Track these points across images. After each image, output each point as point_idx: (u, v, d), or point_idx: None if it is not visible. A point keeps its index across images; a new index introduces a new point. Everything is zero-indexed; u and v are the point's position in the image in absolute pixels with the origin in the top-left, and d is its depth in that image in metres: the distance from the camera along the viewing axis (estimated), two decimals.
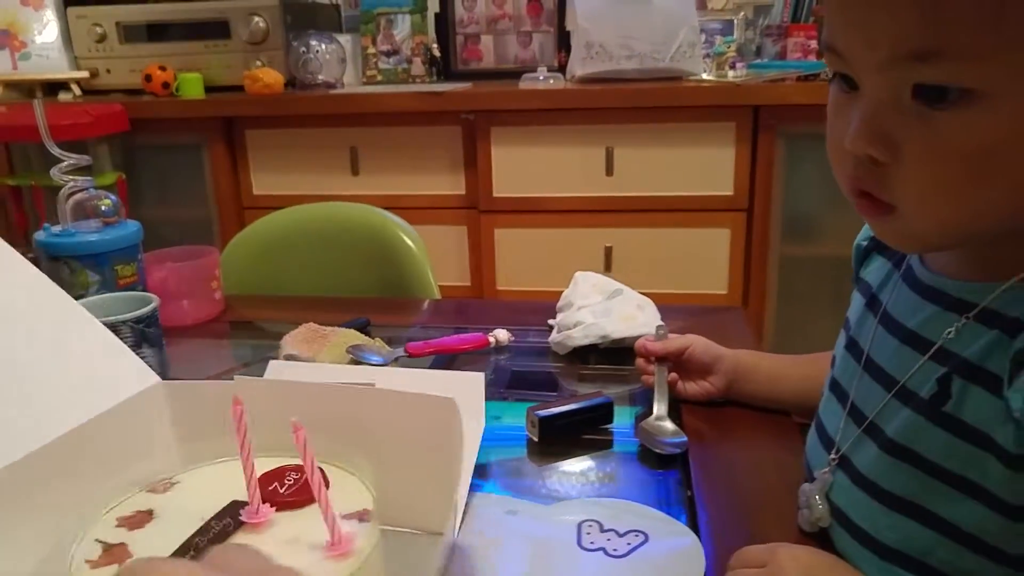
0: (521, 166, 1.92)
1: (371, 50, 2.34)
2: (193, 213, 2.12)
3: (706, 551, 0.53)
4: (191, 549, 0.40)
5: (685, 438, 0.68)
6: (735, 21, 2.17)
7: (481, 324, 0.95)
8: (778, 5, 2.19)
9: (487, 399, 0.65)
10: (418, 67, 2.32)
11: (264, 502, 0.42)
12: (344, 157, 2.01)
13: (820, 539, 0.53)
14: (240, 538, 0.41)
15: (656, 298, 1.88)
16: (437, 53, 2.31)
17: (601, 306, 0.90)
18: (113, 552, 0.41)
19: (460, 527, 0.55)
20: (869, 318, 0.54)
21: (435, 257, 2.00)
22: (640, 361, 0.78)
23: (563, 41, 2.22)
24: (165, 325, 0.94)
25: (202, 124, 2.01)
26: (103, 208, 0.84)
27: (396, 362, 0.84)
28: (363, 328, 0.93)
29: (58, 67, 2.20)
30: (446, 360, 0.88)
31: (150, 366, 0.66)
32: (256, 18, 2.10)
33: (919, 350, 0.47)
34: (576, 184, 1.91)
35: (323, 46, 2.17)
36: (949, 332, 0.45)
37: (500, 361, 0.89)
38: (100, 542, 0.41)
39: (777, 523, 0.57)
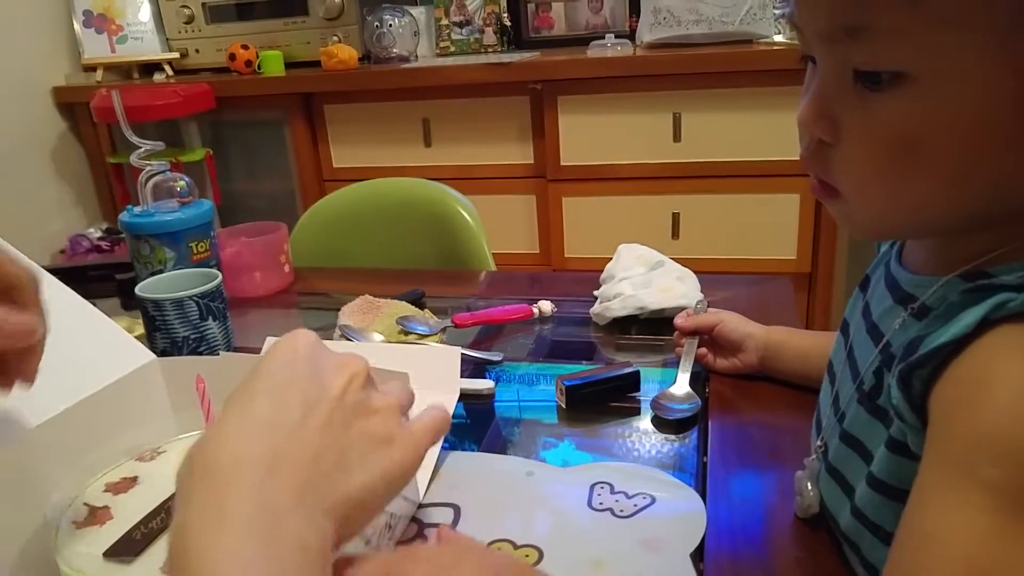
0: (588, 134, 1.93)
1: (444, 21, 2.38)
2: (277, 186, 2.23)
3: (711, 515, 0.56)
4: (162, 512, 0.46)
5: (694, 403, 0.71)
6: None
7: (530, 295, 0.99)
8: None
9: (526, 363, 0.68)
10: (490, 37, 2.35)
11: None
12: (417, 129, 2.07)
13: (814, 525, 0.54)
14: None
15: (723, 264, 1.91)
16: (508, 22, 2.33)
17: (642, 278, 0.92)
18: (96, 514, 0.47)
19: (476, 486, 0.60)
20: (859, 302, 0.53)
21: (504, 226, 2.07)
22: (676, 334, 0.81)
23: (634, 5, 2.20)
24: (238, 296, 1.03)
25: (282, 100, 2.11)
26: (178, 189, 0.92)
27: (443, 332, 0.90)
28: (417, 300, 0.99)
29: (151, 49, 2.34)
30: (492, 330, 0.93)
31: (214, 338, 0.73)
32: None
33: (875, 343, 0.47)
34: (643, 151, 1.91)
35: (396, 20, 2.22)
36: (895, 325, 0.45)
37: (543, 331, 0.93)
38: (87, 505, 0.48)
39: (783, 497, 0.58)
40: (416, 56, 2.28)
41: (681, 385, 0.73)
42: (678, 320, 0.79)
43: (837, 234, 1.85)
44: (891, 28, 0.37)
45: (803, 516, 0.55)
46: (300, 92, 2.10)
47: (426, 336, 0.88)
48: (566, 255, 2.05)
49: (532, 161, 2.01)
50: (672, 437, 0.68)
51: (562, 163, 1.97)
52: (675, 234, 1.95)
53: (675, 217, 1.94)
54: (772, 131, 1.81)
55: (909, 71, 0.37)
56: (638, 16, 2.11)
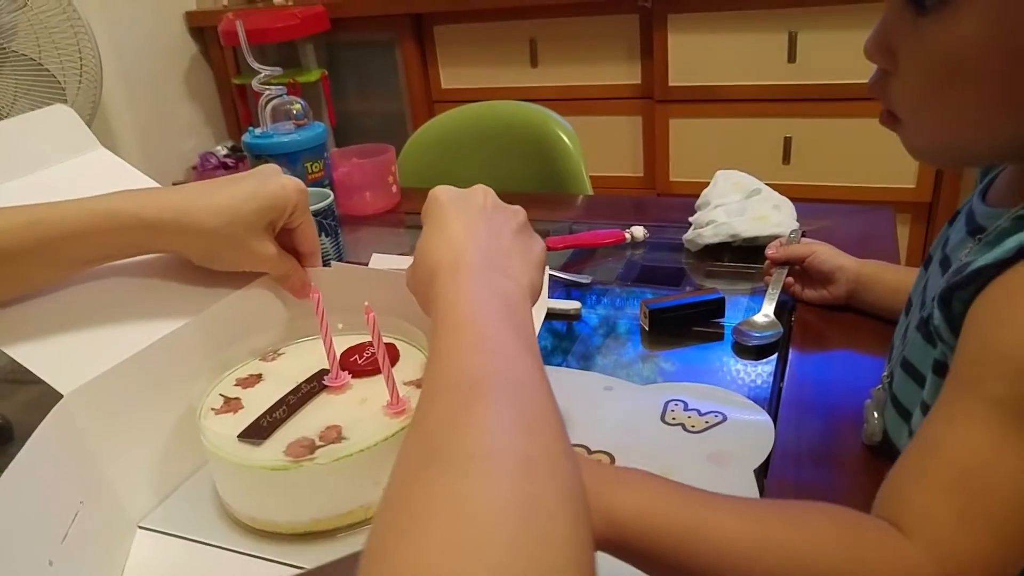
0: (698, 54, 1.88)
1: None
2: (389, 106, 2.30)
3: (781, 436, 0.58)
4: (283, 405, 0.52)
5: (776, 331, 0.72)
6: None
7: (626, 220, 1.01)
8: None
9: (615, 286, 0.71)
10: None
11: (344, 370, 0.54)
12: (524, 50, 2.07)
13: (879, 453, 0.56)
14: (322, 398, 0.53)
15: (837, 192, 1.85)
16: None
17: (736, 205, 0.93)
18: (230, 403, 0.54)
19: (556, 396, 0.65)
20: (944, 236, 0.54)
21: (609, 148, 2.07)
22: (767, 263, 0.81)
23: None
24: (349, 214, 1.10)
25: (394, 21, 2.15)
26: (295, 112, 0.98)
27: None
28: None
29: None
30: (584, 253, 0.96)
31: (326, 252, 0.80)
32: None
33: (944, 271, 0.48)
34: (756, 72, 1.84)
35: None
36: (962, 255, 0.46)
37: (634, 256, 0.95)
38: (222, 396, 0.55)
39: (854, 425, 0.60)
40: None
41: (765, 313, 0.75)
42: (769, 250, 0.80)
43: None
44: None
45: (869, 443, 0.56)
46: (410, 13, 2.13)
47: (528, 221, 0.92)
48: (671, 179, 2.03)
49: (639, 82, 1.98)
50: (752, 363, 0.70)
51: (670, 84, 1.93)
52: (786, 159, 1.89)
53: (787, 141, 1.87)
54: None
55: None
56: None
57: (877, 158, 1.80)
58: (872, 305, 0.75)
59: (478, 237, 0.46)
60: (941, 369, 0.44)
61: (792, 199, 0.95)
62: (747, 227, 0.89)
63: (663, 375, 0.69)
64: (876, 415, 0.55)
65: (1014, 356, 0.37)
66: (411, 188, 1.24)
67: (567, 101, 2.04)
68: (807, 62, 1.78)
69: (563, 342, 0.77)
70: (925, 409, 0.46)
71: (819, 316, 0.77)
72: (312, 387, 0.54)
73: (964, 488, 0.37)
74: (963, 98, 0.41)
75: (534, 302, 0.46)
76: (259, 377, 0.57)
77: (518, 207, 0.54)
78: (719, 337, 0.76)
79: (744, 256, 0.91)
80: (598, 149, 2.00)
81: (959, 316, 0.41)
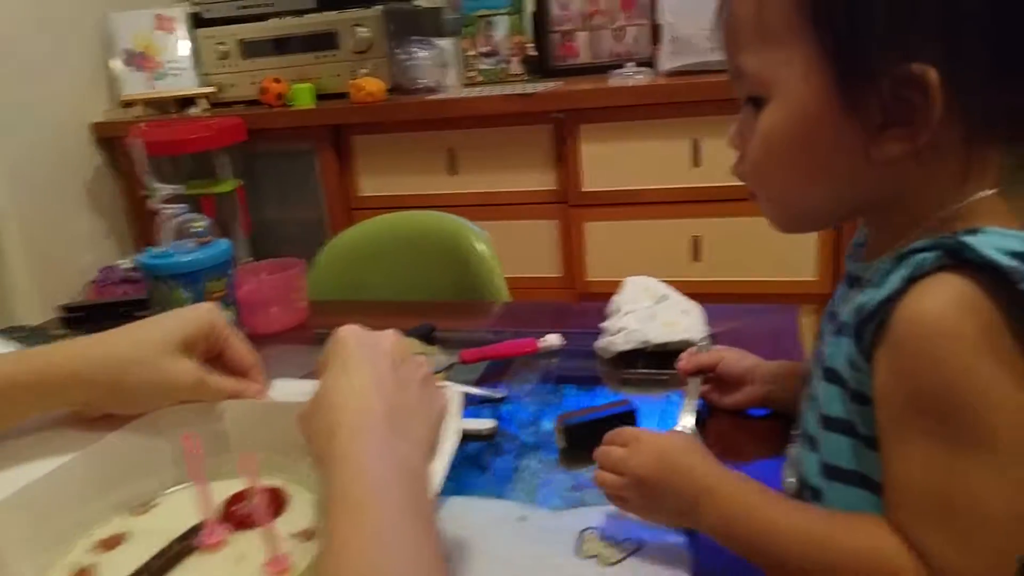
0: (609, 161, 1.95)
1: (471, 52, 2.42)
2: (307, 214, 2.28)
3: (703, 558, 0.56)
4: (146, 571, 0.46)
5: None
6: None
7: (541, 328, 1.00)
8: None
9: (528, 399, 0.71)
10: (516, 66, 2.39)
11: (226, 522, 0.49)
12: (443, 159, 2.11)
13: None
14: (194, 560, 0.47)
15: (744, 286, 1.90)
16: (533, 52, 2.36)
17: (646, 311, 0.93)
18: (80, 574, 0.47)
19: (466, 533, 0.61)
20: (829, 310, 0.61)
21: (528, 251, 2.09)
22: (681, 373, 0.81)
23: (657, 34, 2.21)
24: (254, 333, 1.06)
25: (313, 132, 2.17)
26: (197, 230, 0.96)
27: (450, 368, 0.91)
28: (427, 334, 1.01)
29: (188, 84, 2.42)
30: (499, 366, 0.94)
31: None
32: (361, 28, 2.22)
33: (835, 326, 0.55)
34: (663, 176, 1.92)
35: (424, 51, 2.26)
36: (847, 305, 0.52)
37: (549, 365, 0.94)
38: (74, 564, 0.47)
39: None
40: (444, 86, 2.32)
41: (684, 425, 0.74)
42: (680, 363, 0.80)
43: None
44: (751, 68, 0.51)
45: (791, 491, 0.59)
46: (329, 124, 2.15)
47: (435, 372, 0.90)
48: (588, 278, 2.06)
49: (555, 187, 2.03)
50: None
51: (584, 189, 1.99)
52: (696, 256, 1.95)
53: (695, 240, 1.94)
54: None
55: (766, 95, 0.51)
56: (657, 44, 2.12)
57: (779, 252, 1.89)
58: (788, 402, 0.75)
59: (384, 392, 0.47)
60: (859, 398, 0.50)
61: (702, 295, 0.97)
62: (657, 333, 0.90)
63: (582, 496, 0.67)
64: (789, 472, 0.61)
65: (924, 390, 0.44)
66: (323, 301, 1.22)
67: (486, 207, 2.07)
68: (710, 166, 1.87)
69: (476, 466, 0.74)
70: (848, 431, 0.51)
71: (733, 423, 0.76)
72: (183, 547, 0.48)
73: (944, 513, 0.44)
74: (783, 168, 0.52)
75: (431, 460, 0.47)
76: (122, 537, 0.50)
77: (422, 358, 0.56)
78: None
79: (656, 362, 0.90)
80: (518, 252, 2.02)
81: (869, 347, 0.47)
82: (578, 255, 2.04)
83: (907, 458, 0.45)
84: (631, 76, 2.00)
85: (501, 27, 2.38)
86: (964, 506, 0.43)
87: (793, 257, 1.89)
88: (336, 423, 0.44)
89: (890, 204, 0.51)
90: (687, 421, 0.74)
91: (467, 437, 0.77)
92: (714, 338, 0.91)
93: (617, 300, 0.97)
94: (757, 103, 0.51)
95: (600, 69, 2.26)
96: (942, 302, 0.44)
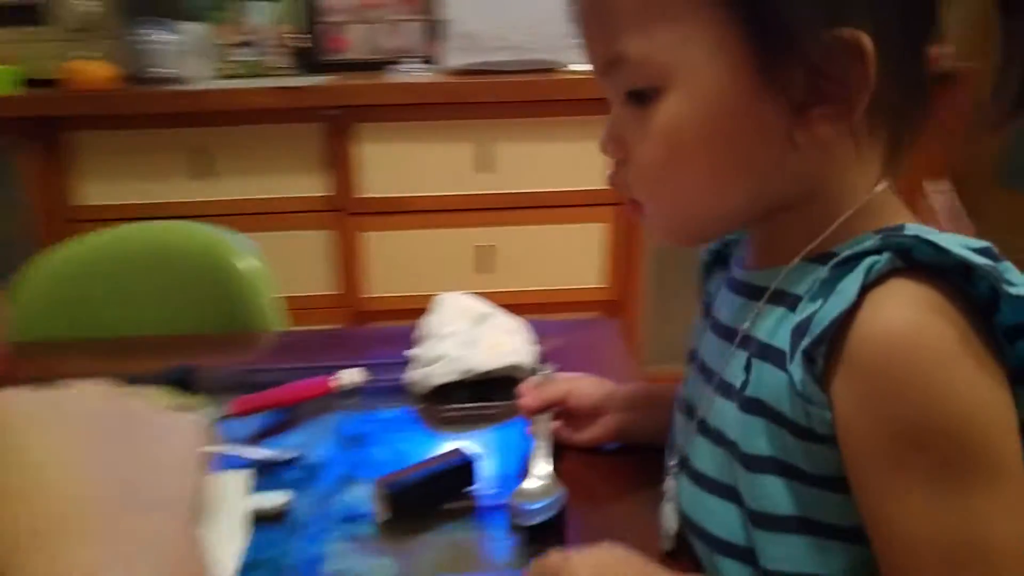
0: (390, 164, 1.79)
1: (224, 41, 2.13)
2: (5, 227, 1.85)
3: None
4: None
5: (556, 496, 0.57)
6: None
7: (331, 361, 0.82)
8: None
9: (329, 456, 0.52)
10: (279, 59, 2.13)
11: None
12: (194, 160, 1.81)
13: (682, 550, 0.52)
14: None
15: (533, 296, 1.83)
16: (299, 44, 2.13)
17: (467, 335, 0.78)
18: None
19: None
20: (705, 328, 0.54)
21: (299, 265, 1.86)
22: (525, 412, 0.67)
23: (436, 30, 2.09)
24: None
25: (12, 125, 1.75)
26: None
27: (219, 424, 0.70)
28: (184, 379, 0.78)
29: None
30: (284, 415, 0.74)
31: None
32: (80, 1, 1.85)
33: (731, 341, 0.49)
34: (449, 182, 1.79)
35: (165, 35, 1.95)
36: (749, 319, 0.47)
37: (350, 408, 0.76)
38: None
39: None
40: (192, 78, 2.01)
41: (538, 474, 0.59)
42: (524, 400, 0.66)
43: (641, 261, 1.85)
44: (637, 54, 0.43)
45: (668, 547, 0.52)
46: (36, 115, 1.75)
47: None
48: (368, 295, 1.87)
49: (328, 193, 1.82)
50: (527, 535, 0.54)
51: (362, 195, 1.81)
52: (484, 267, 1.85)
53: (483, 250, 1.83)
54: (577, 161, 1.78)
55: (661, 85, 0.42)
56: (440, 41, 2.00)
57: (568, 261, 1.84)
58: (649, 432, 0.64)
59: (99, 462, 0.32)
60: (804, 432, 0.42)
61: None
62: (482, 359, 0.75)
63: None
64: (668, 509, 0.52)
65: (916, 424, 0.37)
66: (30, 343, 0.92)
67: (246, 216, 1.81)
68: (498, 171, 1.78)
69: (271, 551, 0.54)
70: (789, 473, 0.43)
71: (585, 462, 0.64)
72: None
73: (956, 559, 0.37)
74: (694, 169, 0.44)
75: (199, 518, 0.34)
76: None
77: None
78: (470, 511, 0.59)
79: (480, 392, 0.76)
80: (286, 268, 1.77)
81: (822, 373, 0.40)
82: (357, 269, 1.85)
83: (908, 509, 0.38)
84: (413, 73, 1.85)
85: (259, 14, 2.12)
86: (996, 549, 0.36)
87: (579, 265, 1.85)
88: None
89: (803, 200, 0.45)
90: (542, 469, 0.60)
91: (256, 519, 0.57)
92: (544, 359, 0.79)
93: (429, 323, 0.82)
94: (643, 97, 0.44)
95: (374, 66, 2.09)
96: (910, 313, 0.38)
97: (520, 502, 0.56)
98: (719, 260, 0.58)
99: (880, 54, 0.39)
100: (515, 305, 0.90)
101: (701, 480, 0.50)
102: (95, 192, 1.82)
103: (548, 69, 1.83)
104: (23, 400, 0.33)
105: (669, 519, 0.53)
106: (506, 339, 0.78)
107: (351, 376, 0.77)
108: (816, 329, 0.39)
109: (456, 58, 1.81)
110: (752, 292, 0.48)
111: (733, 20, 0.40)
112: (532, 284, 1.86)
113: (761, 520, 0.44)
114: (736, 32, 0.40)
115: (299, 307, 1.81)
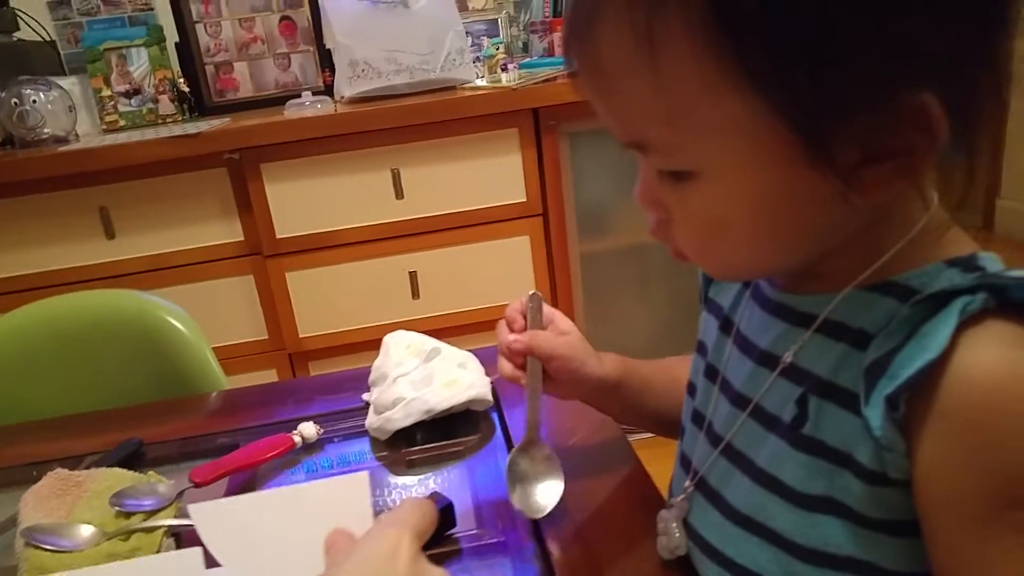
0: (302, 201, 1.76)
1: (106, 92, 2.04)
2: None
3: None
4: None
5: (558, 478, 0.61)
6: (499, 20, 2.13)
7: (281, 417, 0.81)
8: (538, 0, 2.17)
9: None
10: (167, 106, 2.06)
11: None
12: (93, 221, 1.73)
13: (680, 566, 0.52)
14: None
15: (467, 316, 1.83)
16: (186, 88, 2.07)
17: (419, 372, 0.79)
18: None
19: None
20: (725, 341, 0.52)
21: (223, 315, 1.81)
22: (505, 364, 0.62)
23: (326, 59, 2.06)
24: None
25: None
26: None
27: (180, 497, 0.68)
28: (133, 456, 0.75)
29: None
30: (245, 479, 0.72)
31: None
32: None
33: (771, 368, 0.46)
34: (367, 212, 1.78)
35: (42, 94, 1.86)
36: (796, 347, 0.45)
37: (313, 463, 0.75)
38: None
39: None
40: (76, 135, 1.92)
41: (532, 440, 0.61)
42: (506, 340, 0.61)
43: (569, 268, 1.88)
44: (662, 142, 0.40)
45: (669, 557, 0.52)
46: None
47: (157, 511, 0.66)
48: (301, 335, 1.84)
49: (243, 238, 1.78)
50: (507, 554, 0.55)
51: (278, 235, 1.77)
52: (415, 293, 1.84)
53: (412, 276, 1.83)
54: (493, 176, 1.78)
55: (694, 169, 0.40)
56: (332, 70, 1.98)
57: (497, 277, 1.85)
58: (617, 411, 0.67)
59: None
60: (875, 478, 0.40)
61: (428, 333, 0.85)
62: (441, 398, 0.75)
63: None
64: (675, 527, 0.52)
65: (1012, 475, 0.35)
66: None
67: (159, 272, 1.75)
68: (414, 196, 1.77)
69: None
70: (859, 520, 0.41)
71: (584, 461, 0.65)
72: None
73: None
74: (735, 242, 0.42)
75: None
76: None
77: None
78: (456, 555, 0.59)
79: (440, 432, 0.76)
80: (210, 319, 1.72)
81: (904, 418, 0.37)
82: (285, 311, 1.81)
83: (998, 568, 0.36)
84: (310, 106, 1.82)
85: (139, 61, 2.05)
86: None
87: (511, 280, 1.85)
88: None
89: (860, 235, 0.42)
90: (535, 433, 0.61)
91: None
92: (493, 388, 0.80)
93: (380, 365, 0.82)
94: (677, 175, 0.41)
95: (269, 102, 2.05)
96: (1013, 355, 0.35)
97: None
98: None
99: (949, 112, 0.35)
100: (449, 329, 0.90)
101: (723, 506, 0.48)
102: None
103: (443, 89, 1.84)
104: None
105: (675, 539, 0.52)
106: (460, 373, 0.78)
107: (309, 430, 0.76)
108: (901, 373, 0.37)
109: (352, 87, 1.79)
110: (795, 318, 0.46)
111: (766, 107, 0.36)
112: (463, 306, 1.86)
113: (810, 556, 0.42)
114: (772, 119, 0.36)
115: (230, 356, 1.77)
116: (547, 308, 0.64)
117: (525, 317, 0.63)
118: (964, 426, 0.36)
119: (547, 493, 0.61)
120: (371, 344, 0.94)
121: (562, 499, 0.61)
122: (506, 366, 0.61)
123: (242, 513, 0.63)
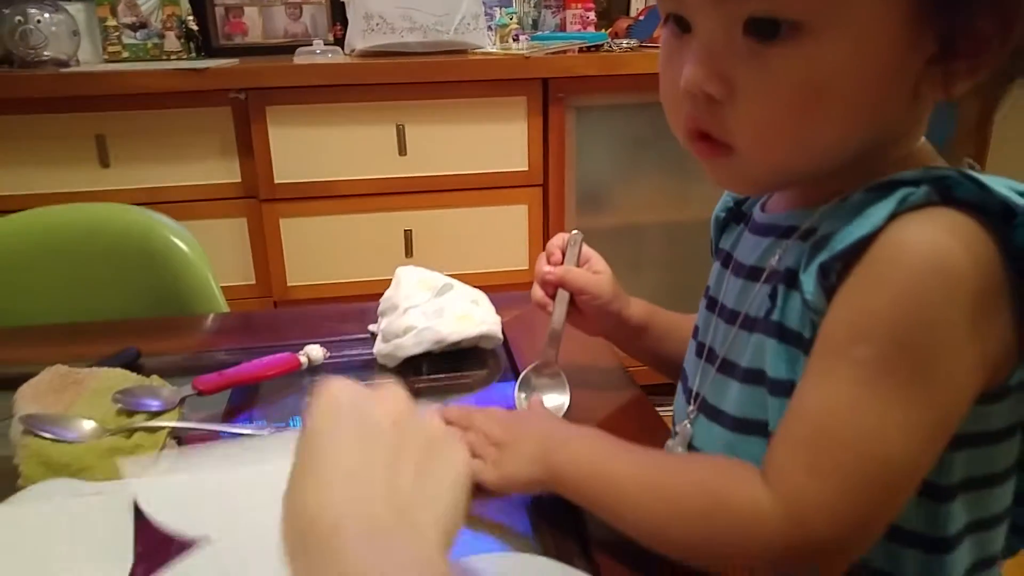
0: (304, 148, 1.74)
1: (111, 22, 2.01)
2: None
3: None
4: None
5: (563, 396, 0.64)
6: None
7: (285, 340, 0.80)
8: None
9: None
10: (172, 42, 2.03)
11: None
12: (89, 147, 1.70)
13: None
14: None
15: (460, 280, 1.82)
16: (195, 26, 2.03)
17: (431, 305, 0.78)
18: None
19: None
20: (724, 273, 0.54)
21: (213, 256, 1.77)
22: (537, 290, 0.67)
23: (337, 13, 2.04)
24: None
25: None
26: None
27: (182, 404, 0.67)
28: (132, 362, 0.75)
29: None
30: (246, 393, 0.72)
31: None
32: None
33: (756, 280, 0.49)
34: (367, 165, 1.76)
35: (47, 15, 1.82)
36: (777, 254, 0.47)
37: (315, 385, 0.74)
38: None
39: None
40: (77, 61, 1.89)
41: (548, 362, 0.65)
42: (545, 268, 0.66)
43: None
44: None
45: None
46: None
47: (160, 413, 0.65)
48: (289, 283, 1.82)
49: (240, 180, 1.76)
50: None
51: (276, 181, 1.75)
52: (408, 251, 1.83)
53: (407, 234, 1.82)
54: (497, 143, 1.78)
55: (808, 20, 0.37)
56: (343, 24, 1.96)
57: (491, 243, 1.85)
58: (632, 350, 0.69)
59: (384, 476, 0.34)
60: (792, 337, 0.43)
61: None
62: (452, 329, 0.75)
63: None
64: (681, 451, 0.53)
65: (881, 317, 0.38)
66: None
67: (154, 205, 1.71)
68: (417, 154, 1.76)
69: None
70: (769, 385, 0.45)
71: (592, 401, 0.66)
72: None
73: (816, 443, 0.39)
74: (827, 119, 0.41)
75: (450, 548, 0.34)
76: None
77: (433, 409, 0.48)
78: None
79: (448, 364, 0.76)
80: None
81: (833, 287, 0.40)
82: (275, 257, 1.79)
83: (821, 387, 0.40)
84: (320, 55, 1.80)
85: None
86: (850, 442, 0.38)
87: (505, 248, 1.85)
88: (306, 529, 0.31)
89: (862, 153, 0.43)
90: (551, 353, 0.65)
91: None
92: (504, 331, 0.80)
93: (391, 295, 0.81)
94: (770, 30, 0.38)
95: (275, 50, 2.03)
96: (938, 233, 0.37)
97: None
98: (735, 217, 0.58)
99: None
100: None
101: (722, 418, 0.50)
102: None
103: (455, 51, 1.83)
104: (348, 393, 0.37)
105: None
106: (472, 309, 0.78)
107: (316, 352, 0.76)
108: (837, 245, 0.39)
109: (364, 40, 1.78)
110: (780, 232, 0.48)
111: None
112: (457, 268, 1.85)
113: None
114: None
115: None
116: (586, 248, 0.68)
117: (563, 253, 0.66)
118: (870, 277, 0.39)
119: (552, 406, 0.63)
120: (358, 299, 0.94)
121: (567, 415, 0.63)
122: (538, 292, 0.66)
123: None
